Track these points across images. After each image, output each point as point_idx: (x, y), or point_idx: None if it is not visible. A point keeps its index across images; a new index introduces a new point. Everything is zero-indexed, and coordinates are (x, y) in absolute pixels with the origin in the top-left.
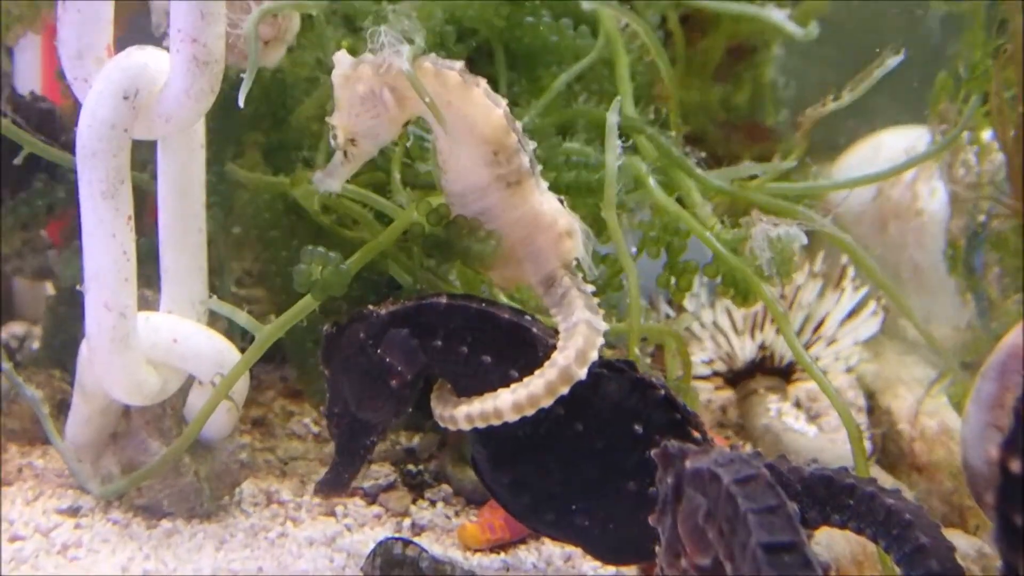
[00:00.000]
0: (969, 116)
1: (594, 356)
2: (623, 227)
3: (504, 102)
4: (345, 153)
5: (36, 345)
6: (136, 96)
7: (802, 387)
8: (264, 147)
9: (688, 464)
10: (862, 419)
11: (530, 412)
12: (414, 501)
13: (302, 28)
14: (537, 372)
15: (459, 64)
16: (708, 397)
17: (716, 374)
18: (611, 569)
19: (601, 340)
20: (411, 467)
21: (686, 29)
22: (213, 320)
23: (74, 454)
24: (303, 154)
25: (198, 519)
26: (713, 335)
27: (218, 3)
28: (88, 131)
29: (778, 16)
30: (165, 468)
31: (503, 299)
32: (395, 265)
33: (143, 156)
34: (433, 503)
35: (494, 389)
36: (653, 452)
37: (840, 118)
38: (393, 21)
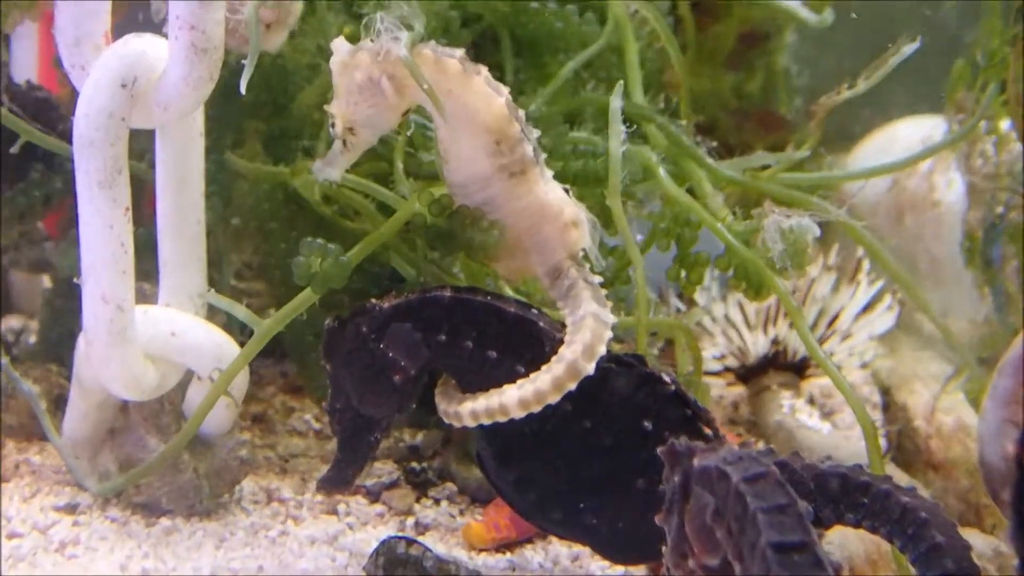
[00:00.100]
0: (987, 105)
1: (602, 350)
2: (631, 217)
3: (506, 90)
4: (344, 142)
5: (33, 339)
6: (134, 84)
7: (816, 383)
8: (264, 135)
9: (696, 462)
10: (877, 416)
11: (537, 409)
12: (418, 499)
13: (303, 13)
14: (544, 367)
15: (459, 52)
16: (719, 393)
17: (728, 369)
18: (620, 569)
19: (609, 334)
20: (415, 464)
21: (697, 15)
22: (212, 313)
23: (71, 450)
24: (304, 143)
25: (197, 517)
26: (725, 329)
27: None
28: (85, 120)
29: (792, 2)
30: (163, 465)
31: (509, 292)
32: (398, 257)
33: (141, 145)
34: (437, 501)
35: (500, 385)
36: (660, 450)
37: (855, 107)
38: (392, 7)
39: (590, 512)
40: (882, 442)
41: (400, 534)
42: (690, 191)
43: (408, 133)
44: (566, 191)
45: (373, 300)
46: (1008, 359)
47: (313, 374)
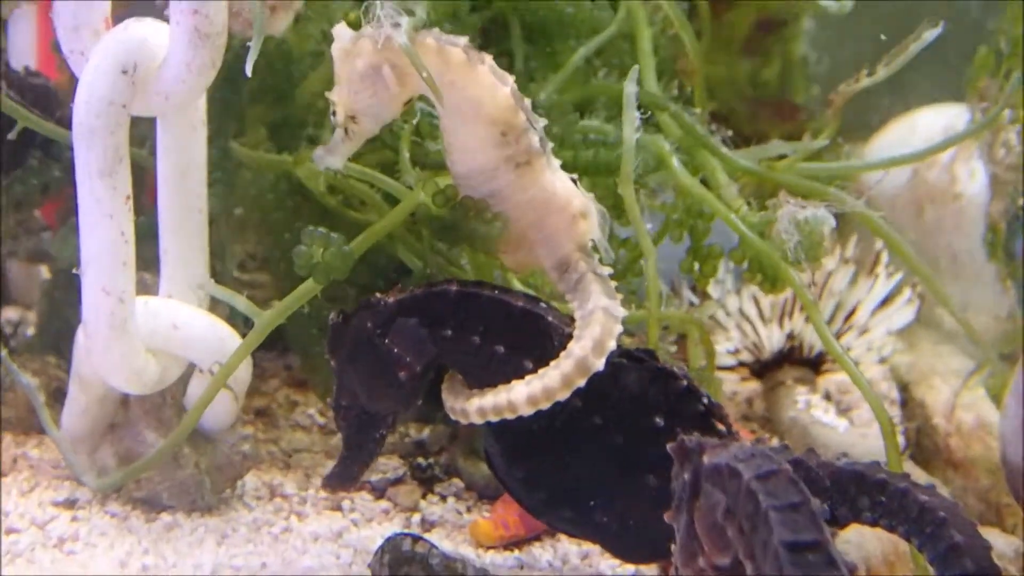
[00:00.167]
0: (1010, 93)
1: (612, 345)
2: (643, 208)
3: (511, 79)
4: (346, 130)
5: (31, 331)
6: (135, 71)
7: (832, 379)
8: (268, 123)
9: (706, 459)
10: (895, 412)
11: (545, 406)
12: (424, 496)
13: None
14: (553, 363)
15: (463, 40)
16: (733, 389)
17: (742, 364)
18: (631, 568)
19: (619, 328)
20: (421, 460)
21: (712, 1)
22: (214, 305)
23: (70, 445)
24: (309, 131)
25: (199, 513)
26: (739, 323)
27: None
28: (85, 107)
29: None
30: (163, 460)
31: (517, 284)
32: (404, 249)
33: (141, 131)
34: (444, 498)
35: (507, 381)
36: (669, 446)
37: (874, 95)
38: None
39: (600, 510)
40: (900, 440)
41: (406, 531)
42: (704, 181)
43: (415, 122)
44: (574, 181)
45: (378, 295)
46: None
47: (317, 368)
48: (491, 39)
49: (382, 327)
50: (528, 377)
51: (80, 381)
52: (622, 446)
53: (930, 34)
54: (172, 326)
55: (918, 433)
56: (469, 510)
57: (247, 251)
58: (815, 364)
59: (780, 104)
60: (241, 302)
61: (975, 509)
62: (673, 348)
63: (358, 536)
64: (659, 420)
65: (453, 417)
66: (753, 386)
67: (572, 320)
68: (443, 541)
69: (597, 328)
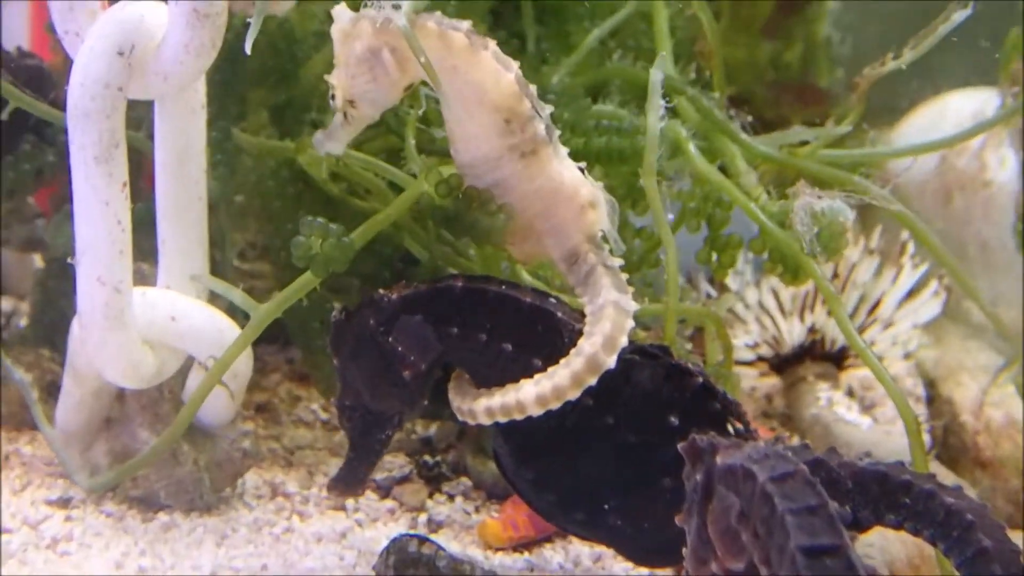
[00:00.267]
0: None
1: (623, 342)
2: (662, 197)
3: (516, 65)
4: (345, 115)
5: (24, 322)
6: (132, 52)
7: (855, 374)
8: (271, 106)
9: (719, 459)
10: (921, 410)
11: (555, 405)
12: (431, 495)
13: None
14: (562, 361)
15: (466, 24)
16: (752, 384)
17: (761, 359)
18: (644, 571)
19: (631, 323)
20: (427, 458)
21: None
22: (214, 296)
23: (64, 441)
24: (312, 115)
25: (197, 512)
26: (758, 316)
27: None
28: (80, 90)
29: None
30: (158, 457)
31: (526, 277)
32: (411, 239)
33: (138, 114)
34: (451, 497)
35: (516, 379)
36: (680, 446)
37: (901, 79)
38: None
39: (613, 512)
40: (926, 438)
41: (412, 532)
42: (722, 168)
43: (421, 111)
44: (581, 171)
45: (381, 291)
46: None
47: (319, 362)
48: (502, 20)
49: (385, 324)
50: (537, 376)
51: (75, 374)
52: (635, 446)
53: (960, 14)
54: (170, 317)
55: (944, 431)
56: (477, 510)
57: (247, 240)
58: (837, 359)
59: (802, 88)
60: (237, 295)
61: (1004, 511)
62: (688, 345)
63: (362, 537)
64: (674, 419)
65: (460, 418)
66: (773, 382)
67: (582, 315)
68: (450, 542)
69: (608, 324)
